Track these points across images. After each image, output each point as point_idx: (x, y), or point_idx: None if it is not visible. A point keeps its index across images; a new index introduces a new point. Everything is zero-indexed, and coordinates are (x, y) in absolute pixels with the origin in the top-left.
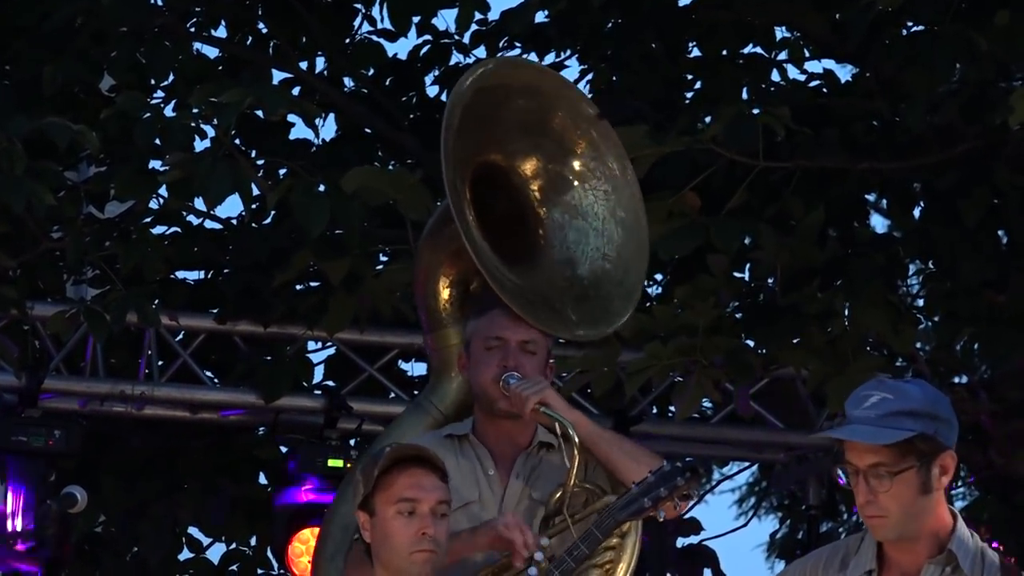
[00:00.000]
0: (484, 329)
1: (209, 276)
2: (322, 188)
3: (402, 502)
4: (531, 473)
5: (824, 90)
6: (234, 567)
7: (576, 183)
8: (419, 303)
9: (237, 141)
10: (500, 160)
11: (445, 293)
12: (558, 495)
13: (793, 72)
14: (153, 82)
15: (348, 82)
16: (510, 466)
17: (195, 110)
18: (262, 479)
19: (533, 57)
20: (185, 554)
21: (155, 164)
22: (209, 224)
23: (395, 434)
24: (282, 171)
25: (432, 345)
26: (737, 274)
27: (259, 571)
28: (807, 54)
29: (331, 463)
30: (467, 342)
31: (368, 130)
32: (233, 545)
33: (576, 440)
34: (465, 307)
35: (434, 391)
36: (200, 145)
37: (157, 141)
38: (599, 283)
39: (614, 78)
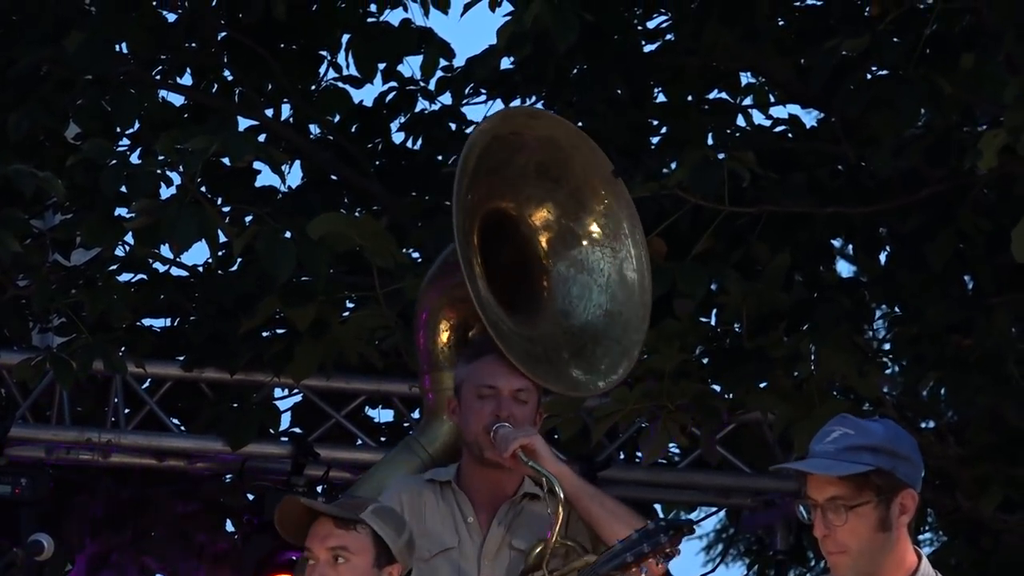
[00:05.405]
0: (477, 376)
1: (175, 323)
2: (288, 235)
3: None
4: (512, 522)
5: (789, 135)
6: None
7: (585, 239)
8: (418, 343)
9: (203, 188)
10: (511, 208)
11: (444, 336)
12: (538, 550)
13: (758, 117)
14: (119, 129)
15: (314, 129)
16: (491, 514)
17: (161, 157)
18: (229, 526)
19: (499, 103)
20: None
21: (121, 211)
22: (175, 271)
23: (381, 474)
24: (248, 218)
25: (428, 386)
26: (703, 319)
27: None
28: (772, 99)
29: None
30: (457, 386)
31: (334, 177)
32: None
33: (562, 496)
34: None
35: (424, 433)
36: (166, 192)
37: (123, 188)
38: (597, 339)
39: (580, 123)
